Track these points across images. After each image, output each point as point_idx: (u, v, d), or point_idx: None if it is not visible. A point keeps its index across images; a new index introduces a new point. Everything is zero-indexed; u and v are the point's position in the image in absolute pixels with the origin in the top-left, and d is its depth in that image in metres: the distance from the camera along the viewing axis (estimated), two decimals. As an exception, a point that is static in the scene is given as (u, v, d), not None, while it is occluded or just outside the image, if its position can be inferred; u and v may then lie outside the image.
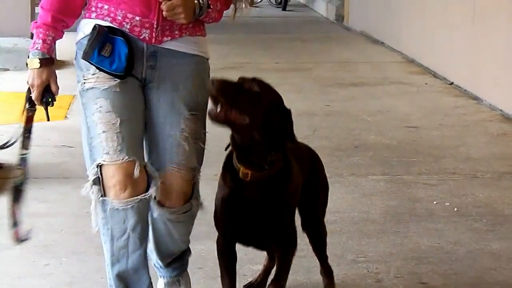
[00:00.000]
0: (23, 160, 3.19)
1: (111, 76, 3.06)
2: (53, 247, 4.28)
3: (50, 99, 3.12)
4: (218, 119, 2.98)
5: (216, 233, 3.27)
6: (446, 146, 6.30)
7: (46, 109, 3.14)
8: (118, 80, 3.06)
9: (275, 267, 3.38)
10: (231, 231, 3.22)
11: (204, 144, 3.24)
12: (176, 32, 3.13)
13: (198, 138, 3.20)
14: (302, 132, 3.01)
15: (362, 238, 4.44)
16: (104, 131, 3.06)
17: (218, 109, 2.97)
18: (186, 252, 3.47)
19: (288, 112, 3.11)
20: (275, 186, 3.14)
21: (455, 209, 4.93)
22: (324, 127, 6.89)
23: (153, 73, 3.13)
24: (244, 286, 3.74)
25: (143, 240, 3.18)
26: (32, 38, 3.14)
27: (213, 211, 3.23)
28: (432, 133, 6.70)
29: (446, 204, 5.01)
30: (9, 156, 5.67)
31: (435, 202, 5.04)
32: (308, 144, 3.62)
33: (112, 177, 3.06)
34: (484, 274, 4.04)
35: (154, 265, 3.47)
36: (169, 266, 3.45)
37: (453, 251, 4.31)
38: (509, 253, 4.28)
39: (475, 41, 8.00)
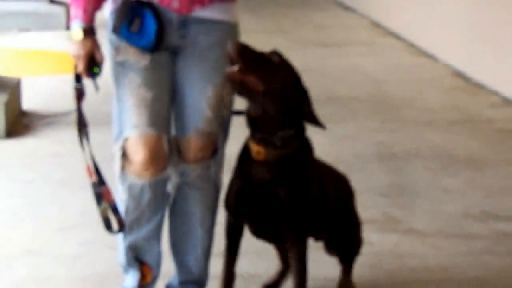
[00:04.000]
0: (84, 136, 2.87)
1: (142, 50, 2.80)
2: (69, 180, 4.45)
3: (97, 70, 2.78)
4: (233, 80, 2.66)
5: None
6: (406, 98, 6.42)
7: (94, 80, 2.80)
8: (149, 56, 2.79)
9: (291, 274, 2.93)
10: (241, 215, 2.87)
11: (230, 111, 2.93)
12: (206, 0, 2.80)
13: (224, 105, 2.88)
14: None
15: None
16: (134, 105, 2.79)
17: (236, 70, 2.66)
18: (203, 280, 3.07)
19: (304, 91, 2.80)
20: (291, 167, 2.76)
21: (413, 151, 5.07)
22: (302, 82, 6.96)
23: (184, 42, 2.81)
24: None
25: (158, 212, 2.92)
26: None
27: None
28: (394, 87, 6.81)
29: (406, 147, 5.16)
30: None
31: (396, 146, 5.18)
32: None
33: (137, 153, 2.80)
34: (438, 205, 4.20)
35: None
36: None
37: (411, 187, 4.46)
38: (458, 188, 4.44)
39: (431, 5, 8.10)
